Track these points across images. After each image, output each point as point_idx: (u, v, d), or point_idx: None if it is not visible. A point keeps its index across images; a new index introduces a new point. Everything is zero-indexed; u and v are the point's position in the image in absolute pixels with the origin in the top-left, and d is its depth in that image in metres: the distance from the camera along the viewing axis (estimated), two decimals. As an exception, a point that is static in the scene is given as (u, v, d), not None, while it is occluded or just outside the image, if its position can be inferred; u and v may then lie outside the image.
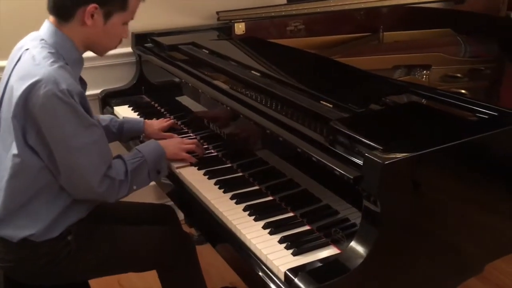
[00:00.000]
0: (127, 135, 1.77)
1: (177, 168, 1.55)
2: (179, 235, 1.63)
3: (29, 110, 1.24)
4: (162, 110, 2.04)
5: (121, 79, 2.26)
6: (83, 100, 1.29)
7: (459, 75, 1.92)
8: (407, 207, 1.04)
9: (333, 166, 1.08)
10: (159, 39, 2.12)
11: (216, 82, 1.61)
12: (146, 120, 1.79)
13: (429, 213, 1.07)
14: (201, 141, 1.73)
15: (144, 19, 2.23)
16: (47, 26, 1.35)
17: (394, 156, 0.97)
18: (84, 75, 1.43)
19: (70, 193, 1.34)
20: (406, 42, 2.28)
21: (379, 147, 1.03)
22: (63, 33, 1.33)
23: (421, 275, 1.11)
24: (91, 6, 1.28)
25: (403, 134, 1.15)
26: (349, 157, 1.08)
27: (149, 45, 2.17)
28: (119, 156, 1.41)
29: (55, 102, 1.22)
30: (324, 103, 1.34)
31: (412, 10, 2.44)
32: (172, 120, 1.84)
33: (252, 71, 1.64)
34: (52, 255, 1.36)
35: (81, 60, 1.40)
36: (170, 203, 2.42)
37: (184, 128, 1.85)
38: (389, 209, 1.00)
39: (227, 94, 1.53)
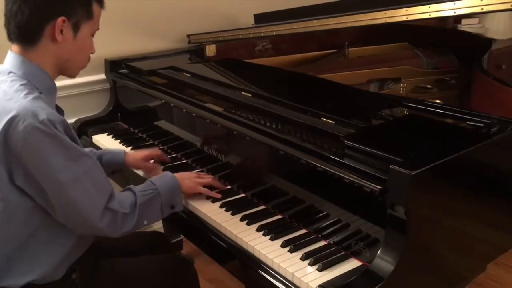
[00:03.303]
0: (107, 167, 1.65)
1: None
2: (181, 262, 1.61)
3: (11, 150, 1.15)
4: (144, 136, 2.01)
5: (94, 107, 2.20)
6: (67, 129, 1.21)
7: (429, 86, 2.04)
8: (429, 212, 1.10)
9: (357, 181, 1.12)
10: (135, 64, 2.09)
11: (209, 105, 1.62)
12: (127, 151, 1.71)
13: (447, 217, 1.14)
14: (194, 164, 1.73)
15: (115, 45, 2.23)
16: (12, 57, 1.25)
17: (418, 167, 1.03)
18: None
19: (72, 230, 1.26)
20: (370, 57, 2.39)
21: (399, 159, 1.08)
22: (31, 61, 1.24)
23: (446, 274, 1.18)
24: (60, 20, 1.21)
25: (415, 145, 1.21)
26: (367, 170, 1.12)
27: (123, 71, 2.14)
28: (129, 188, 1.35)
29: (37, 136, 1.14)
30: (326, 119, 1.38)
31: (370, 26, 2.57)
32: (158, 151, 1.76)
33: (243, 92, 1.66)
34: None
35: (54, 87, 1.31)
36: (156, 227, 2.39)
37: (172, 153, 1.83)
38: (414, 216, 1.05)
39: (227, 117, 1.53)
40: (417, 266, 1.11)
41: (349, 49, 2.47)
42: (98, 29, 1.35)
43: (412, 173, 1.01)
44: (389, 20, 1.68)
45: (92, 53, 1.36)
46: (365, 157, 1.16)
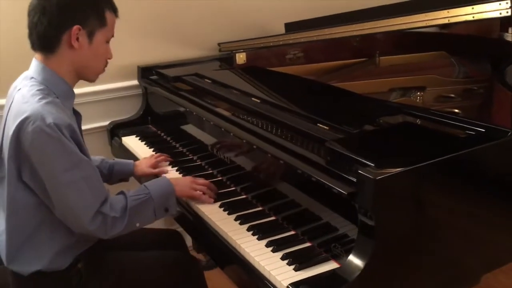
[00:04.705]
0: (117, 176, 1.76)
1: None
2: (187, 260, 1.66)
3: (21, 148, 1.28)
4: (168, 139, 2.12)
5: (128, 111, 2.34)
6: (73, 134, 1.30)
7: (452, 95, 1.99)
8: (400, 219, 1.10)
9: (329, 184, 1.14)
10: (164, 71, 2.22)
11: (218, 110, 1.70)
12: (135, 162, 1.80)
13: (421, 225, 1.13)
14: (206, 166, 1.81)
15: (149, 53, 2.37)
16: (35, 64, 1.39)
17: (385, 172, 1.04)
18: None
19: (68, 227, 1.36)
20: (402, 66, 2.36)
21: (371, 164, 1.09)
22: (51, 68, 1.36)
23: (418, 285, 1.16)
24: (75, 28, 1.32)
25: (394, 151, 1.21)
26: (344, 175, 1.14)
27: (154, 77, 2.27)
28: (121, 192, 1.42)
29: (43, 138, 1.24)
30: (321, 125, 1.41)
31: (406, 34, 2.53)
32: (162, 156, 1.84)
33: (253, 98, 1.72)
34: (64, 284, 1.40)
35: (71, 93, 1.42)
36: (179, 228, 2.49)
37: (190, 155, 1.92)
38: (383, 222, 1.06)
39: (228, 120, 1.61)
40: (387, 273, 1.10)
41: (381, 57, 2.46)
42: (113, 36, 1.45)
43: (377, 178, 1.02)
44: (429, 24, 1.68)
45: (109, 59, 1.46)
46: (344, 161, 1.18)
